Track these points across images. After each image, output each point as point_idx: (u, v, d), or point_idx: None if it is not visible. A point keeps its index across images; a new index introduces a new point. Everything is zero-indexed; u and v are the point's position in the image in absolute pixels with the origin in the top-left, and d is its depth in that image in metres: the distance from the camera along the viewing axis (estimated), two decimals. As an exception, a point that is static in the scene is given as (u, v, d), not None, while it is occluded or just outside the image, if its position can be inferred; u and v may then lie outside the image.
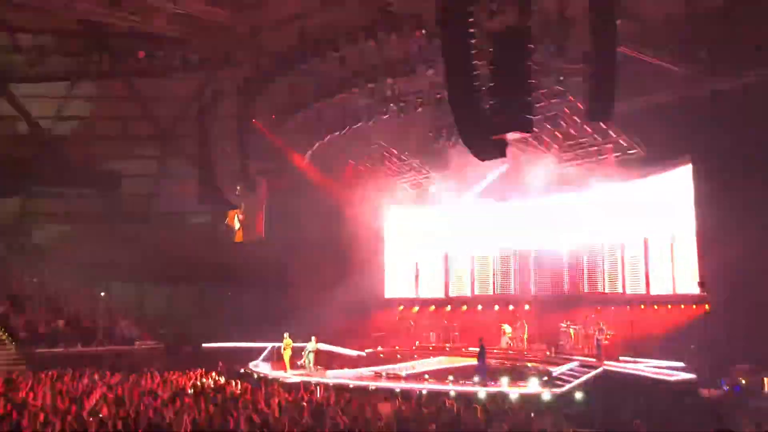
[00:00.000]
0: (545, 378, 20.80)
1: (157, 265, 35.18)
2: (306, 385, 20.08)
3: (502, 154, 16.59)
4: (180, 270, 35.27)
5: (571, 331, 26.27)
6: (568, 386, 19.52)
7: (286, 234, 33.99)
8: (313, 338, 24.70)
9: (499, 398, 17.13)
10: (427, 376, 22.55)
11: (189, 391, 18.32)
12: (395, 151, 30.84)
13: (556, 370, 21.77)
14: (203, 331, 32.32)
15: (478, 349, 22.36)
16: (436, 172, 30.25)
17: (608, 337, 24.16)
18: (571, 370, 21.94)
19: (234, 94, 27.76)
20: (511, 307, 29.91)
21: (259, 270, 33.85)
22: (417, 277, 33.33)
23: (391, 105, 24.74)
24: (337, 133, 26.90)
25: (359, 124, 26.03)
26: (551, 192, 27.85)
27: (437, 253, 32.78)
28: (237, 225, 35.25)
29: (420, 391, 19.64)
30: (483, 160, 18.16)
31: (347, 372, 25.19)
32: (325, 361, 25.98)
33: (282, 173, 32.70)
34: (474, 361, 22.97)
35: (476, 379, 21.32)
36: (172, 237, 36.33)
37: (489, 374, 21.61)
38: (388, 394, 18.10)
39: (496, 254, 31.09)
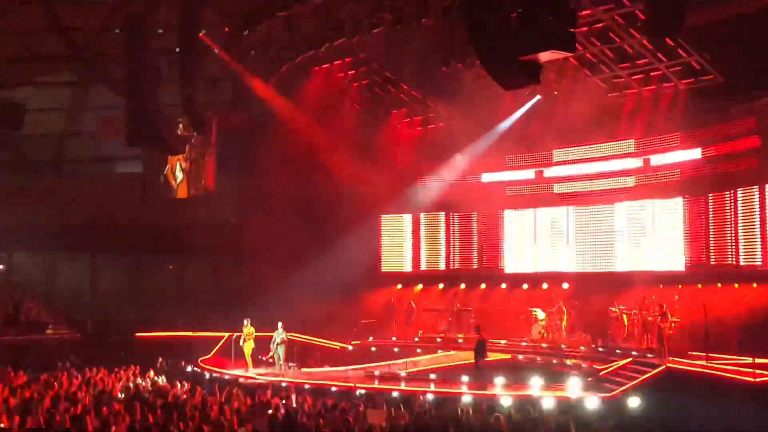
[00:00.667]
0: (590, 379, 20.95)
1: (73, 229, 35.16)
2: (274, 388, 20.21)
3: (534, 80, 16.42)
4: (104, 236, 35.27)
5: (624, 317, 26.40)
6: (619, 390, 19.69)
7: (244, 189, 33.96)
8: (280, 325, 24.84)
9: (529, 405, 17.24)
10: (433, 377, 22.71)
11: (119, 396, 18.40)
12: (390, 76, 30.62)
13: (604, 369, 21.88)
14: (136, 316, 32.52)
15: (476, 342, 22.61)
16: (445, 107, 30.04)
17: (673, 325, 24.30)
18: (623, 368, 22.10)
19: (174, -1, 27.45)
20: (545, 286, 30.03)
21: (208, 236, 33.89)
22: (419, 245, 33.41)
23: (385, 14, 24.47)
24: (313, 53, 26.64)
25: (341, 40, 25.79)
26: (596, 131, 27.83)
27: (445, 214, 32.88)
28: (179, 176, 35.19)
29: (424, 396, 19.79)
30: (508, 89, 17.97)
31: (328, 371, 25.37)
32: (300, 356, 26.16)
33: (238, 107, 32.50)
34: (496, 357, 23.12)
35: (466, 378, 21.67)
36: (92, 192, 36.25)
37: (481, 373, 22.03)
38: (382, 400, 18.24)
39: (524, 216, 31.12)
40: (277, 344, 24.63)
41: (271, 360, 25.22)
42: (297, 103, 30.75)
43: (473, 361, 22.69)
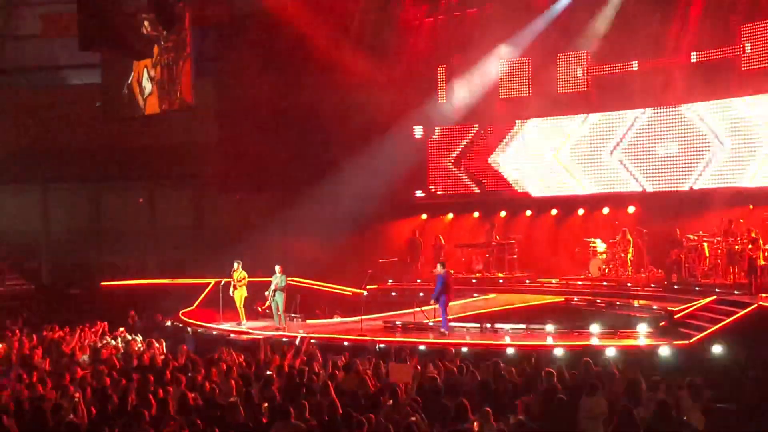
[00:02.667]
0: (663, 323, 20.97)
1: (17, 155, 35.19)
2: (273, 344, 20.36)
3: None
4: (56, 163, 35.29)
5: (705, 246, 26.42)
6: (700, 335, 19.73)
7: (229, 100, 33.79)
8: (278, 269, 24.88)
9: (588, 356, 17.30)
10: (468, 326, 22.84)
11: (83, 359, 18.60)
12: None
13: (680, 311, 21.94)
14: (100, 260, 32.73)
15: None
16: None
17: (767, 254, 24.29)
18: (704, 309, 22.12)
19: None
20: (605, 211, 29.96)
21: (186, 160, 33.88)
22: (447, 165, 33.27)
23: None
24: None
25: None
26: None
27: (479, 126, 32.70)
28: (147, 87, 34.97)
29: (457, 350, 19.92)
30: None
31: (339, 322, 25.53)
32: (304, 305, 26.31)
33: (218, -1, 32.24)
34: (546, 299, 23.17)
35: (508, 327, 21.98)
36: (39, 109, 36.16)
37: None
38: (406, 355, 18.37)
39: (577, 126, 30.89)
40: (275, 291, 24.70)
41: (268, 311, 25.35)
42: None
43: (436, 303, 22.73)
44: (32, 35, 36.29)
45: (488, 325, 22.72)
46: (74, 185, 37.27)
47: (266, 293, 24.90)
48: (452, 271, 23.84)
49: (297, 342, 21.02)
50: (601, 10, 29.04)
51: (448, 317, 22.46)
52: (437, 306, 22.61)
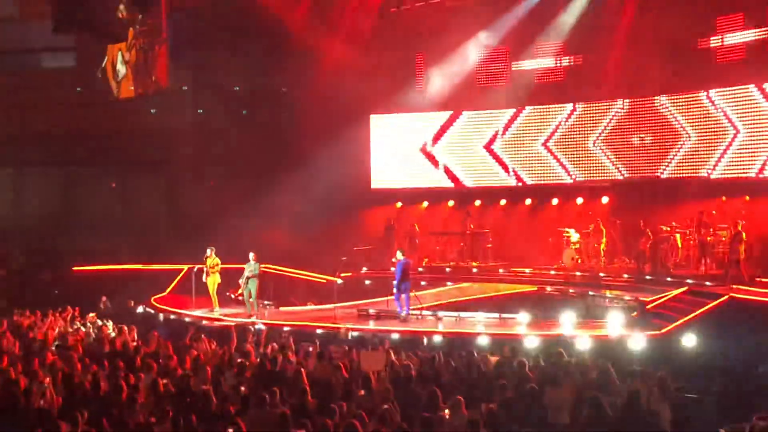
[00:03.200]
0: (635, 313, 21.11)
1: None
2: (245, 331, 20.36)
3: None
4: (29, 146, 35.08)
5: (677, 237, 26.59)
6: (671, 326, 19.86)
7: (203, 84, 33.68)
8: (252, 256, 24.85)
9: (560, 346, 17.41)
10: (440, 315, 22.91)
11: (54, 345, 18.54)
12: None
13: (652, 302, 22.09)
14: (72, 245, 32.53)
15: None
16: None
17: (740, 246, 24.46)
18: (676, 299, 22.28)
19: None
20: (579, 201, 30.13)
21: (160, 145, 33.75)
22: (422, 153, 33.30)
23: None
24: None
25: None
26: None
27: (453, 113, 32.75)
28: (121, 70, 34.74)
29: (430, 338, 19.99)
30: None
31: (312, 309, 25.55)
32: (277, 292, 26.30)
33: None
34: (519, 289, 23.25)
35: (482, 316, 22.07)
36: (12, 92, 35.92)
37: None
38: (379, 344, 18.40)
39: (552, 113, 31.01)
40: (248, 278, 24.65)
41: (240, 298, 25.31)
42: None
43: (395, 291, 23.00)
44: (8, 18, 36.01)
45: (461, 314, 22.80)
46: (47, 169, 37.02)
47: (240, 280, 24.87)
48: (410, 261, 23.87)
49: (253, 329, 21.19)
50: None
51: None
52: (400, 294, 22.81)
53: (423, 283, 28.26)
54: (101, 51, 33.89)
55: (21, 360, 16.06)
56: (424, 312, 23.27)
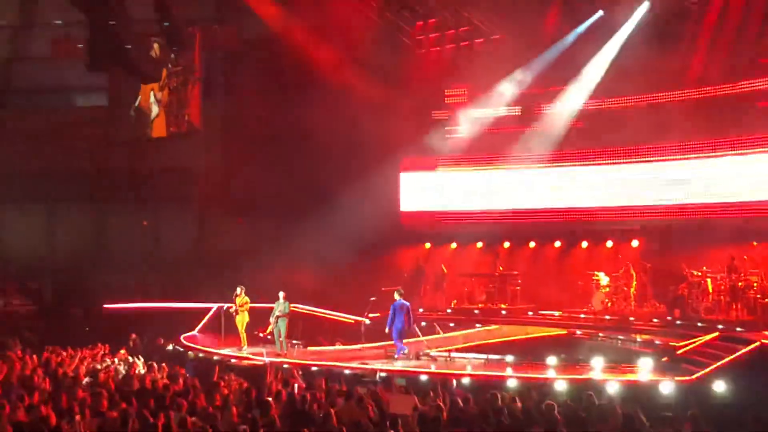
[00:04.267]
0: (665, 359, 20.96)
1: (23, 175, 35.29)
2: (275, 371, 20.37)
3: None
4: (62, 184, 35.42)
5: (708, 281, 26.44)
6: (701, 372, 19.71)
7: (234, 124, 33.92)
8: (281, 295, 24.92)
9: (590, 390, 17.31)
10: (470, 357, 22.84)
11: (84, 381, 18.61)
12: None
13: (682, 347, 21.94)
14: (103, 282, 32.71)
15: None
16: (485, 18, 29.87)
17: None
18: (707, 345, 22.13)
19: None
20: (609, 244, 30.02)
21: (191, 183, 33.98)
22: (451, 195, 33.36)
23: None
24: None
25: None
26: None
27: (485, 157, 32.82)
28: (155, 110, 35.16)
29: (458, 381, 19.92)
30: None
31: (340, 350, 25.52)
32: (306, 331, 26.30)
33: (226, 21, 32.35)
34: (549, 332, 23.16)
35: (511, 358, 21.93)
36: (46, 130, 36.29)
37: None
38: (407, 385, 18.34)
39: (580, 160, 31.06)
40: (278, 317, 24.69)
41: (270, 336, 25.34)
42: (296, 15, 30.56)
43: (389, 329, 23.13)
44: (42, 57, 36.47)
45: (490, 357, 22.72)
46: (79, 206, 37.34)
47: (270, 319, 24.88)
48: (407, 304, 23.85)
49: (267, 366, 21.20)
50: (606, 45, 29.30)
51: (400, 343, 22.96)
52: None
53: (451, 324, 28.22)
54: (134, 90, 34.33)
55: (51, 396, 16.13)
56: (453, 354, 23.20)
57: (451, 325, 28.25)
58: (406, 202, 33.82)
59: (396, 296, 23.35)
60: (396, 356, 22.80)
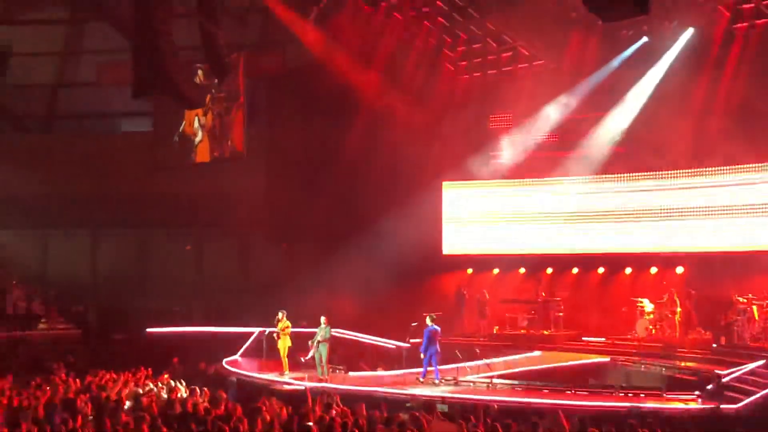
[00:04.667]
0: (710, 386, 20.76)
1: (68, 200, 35.64)
2: (316, 396, 20.36)
3: (642, 11, 16.06)
4: (106, 208, 35.74)
5: (755, 308, 26.18)
6: (749, 400, 19.52)
7: (277, 150, 34.08)
8: (323, 319, 24.94)
9: (632, 417, 17.19)
10: (512, 383, 22.73)
11: (126, 405, 18.70)
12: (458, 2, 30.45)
13: (728, 374, 21.72)
14: (146, 306, 32.91)
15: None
16: (526, 43, 29.91)
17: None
18: (752, 373, 21.89)
19: None
20: (653, 270, 29.82)
21: (234, 208, 34.16)
22: (493, 221, 33.30)
23: None
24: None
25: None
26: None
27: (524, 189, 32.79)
28: (199, 135, 35.42)
29: (499, 407, 19.82)
30: (606, 20, 17.68)
31: (381, 375, 25.48)
32: (347, 357, 26.30)
33: (270, 48, 32.58)
34: (592, 359, 23.00)
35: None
36: (91, 155, 36.67)
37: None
38: (450, 411, 18.27)
39: (621, 184, 30.89)
40: (319, 342, 24.71)
41: (311, 361, 25.37)
42: (339, 41, 30.70)
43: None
44: (88, 83, 36.88)
45: (531, 383, 22.61)
46: (122, 231, 37.65)
47: (310, 342, 24.89)
48: (438, 329, 23.84)
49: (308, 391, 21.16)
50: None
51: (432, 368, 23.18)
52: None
53: (493, 351, 28.10)
54: (178, 115, 34.61)
55: (94, 420, 16.21)
56: (495, 380, 23.12)
57: (493, 352, 28.15)
58: (449, 240, 33.79)
59: (428, 321, 23.36)
60: (436, 381, 22.76)
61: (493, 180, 32.99)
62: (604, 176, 31.08)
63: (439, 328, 23.51)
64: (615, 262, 30.86)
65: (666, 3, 26.50)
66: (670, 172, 29.82)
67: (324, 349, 24.48)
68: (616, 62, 29.43)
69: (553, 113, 31.20)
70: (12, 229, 36.74)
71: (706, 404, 19.40)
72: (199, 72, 31.36)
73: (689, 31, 27.87)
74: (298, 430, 15.46)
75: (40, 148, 37.00)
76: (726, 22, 27.06)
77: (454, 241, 33.72)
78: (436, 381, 22.93)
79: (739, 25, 27.02)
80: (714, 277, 27.82)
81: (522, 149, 32.04)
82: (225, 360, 27.19)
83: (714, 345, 26.28)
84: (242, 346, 27.98)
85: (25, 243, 37.34)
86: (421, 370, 23.55)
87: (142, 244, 38.27)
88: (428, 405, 19.22)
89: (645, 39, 28.30)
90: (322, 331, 24.55)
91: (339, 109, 31.62)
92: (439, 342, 23.42)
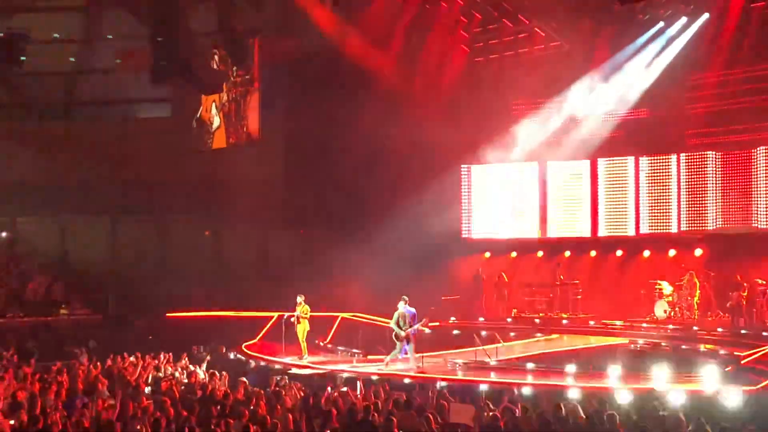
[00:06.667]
0: (729, 368, 20.68)
1: (88, 186, 35.74)
2: (335, 379, 20.40)
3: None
4: (126, 195, 35.83)
5: (776, 290, 26.16)
6: (766, 382, 19.43)
7: (295, 135, 34.05)
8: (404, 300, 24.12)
9: (652, 400, 17.13)
10: (531, 365, 22.70)
11: (146, 390, 18.76)
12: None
13: (747, 356, 21.64)
14: (166, 292, 32.96)
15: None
16: (545, 25, 29.80)
17: None
18: (774, 355, 21.83)
19: None
20: (672, 252, 29.70)
21: (252, 194, 34.17)
22: (512, 204, 33.21)
23: None
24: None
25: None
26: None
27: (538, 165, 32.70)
28: (216, 121, 35.43)
29: (519, 390, 19.78)
30: (624, 1, 17.63)
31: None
32: (366, 341, 26.32)
33: (287, 33, 32.50)
34: (610, 341, 22.93)
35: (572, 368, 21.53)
36: (111, 141, 36.73)
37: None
38: (468, 394, 18.26)
39: (643, 166, 30.74)
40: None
41: (329, 345, 25.38)
42: (356, 26, 30.62)
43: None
44: (107, 69, 36.91)
45: (551, 366, 22.55)
46: (142, 217, 37.70)
47: (392, 325, 23.94)
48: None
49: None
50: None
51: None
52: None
53: (512, 334, 28.10)
54: (196, 101, 34.60)
55: (116, 404, 16.28)
56: (513, 363, 23.08)
57: (512, 334, 28.14)
58: (468, 224, 33.80)
59: (401, 306, 22.93)
60: (400, 357, 22.63)
61: (512, 163, 32.86)
62: (625, 157, 30.92)
63: (414, 310, 23.25)
64: (634, 244, 30.75)
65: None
66: (694, 153, 29.62)
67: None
68: (631, 48, 29.34)
69: (570, 96, 31.08)
70: (32, 216, 36.90)
71: (725, 386, 19.31)
72: (216, 58, 31.33)
73: (704, 16, 27.75)
74: (317, 414, 15.50)
75: (58, 136, 37.03)
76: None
77: (473, 225, 33.64)
78: (385, 362, 22.70)
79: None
80: (733, 260, 27.72)
81: (540, 130, 31.92)
82: (245, 344, 27.24)
83: (733, 328, 26.17)
84: (261, 331, 28.01)
85: (45, 229, 37.52)
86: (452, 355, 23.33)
87: (162, 230, 38.31)
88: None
89: (661, 24, 28.18)
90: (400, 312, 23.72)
91: (356, 94, 31.51)
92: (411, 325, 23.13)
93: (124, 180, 35.95)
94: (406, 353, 22.59)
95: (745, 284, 26.42)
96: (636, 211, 30.69)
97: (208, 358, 25.03)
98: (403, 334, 22.50)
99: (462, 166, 33.48)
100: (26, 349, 25.10)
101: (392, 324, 22.95)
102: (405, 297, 23.02)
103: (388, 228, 30.27)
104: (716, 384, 19.51)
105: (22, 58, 31.02)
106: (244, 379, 19.95)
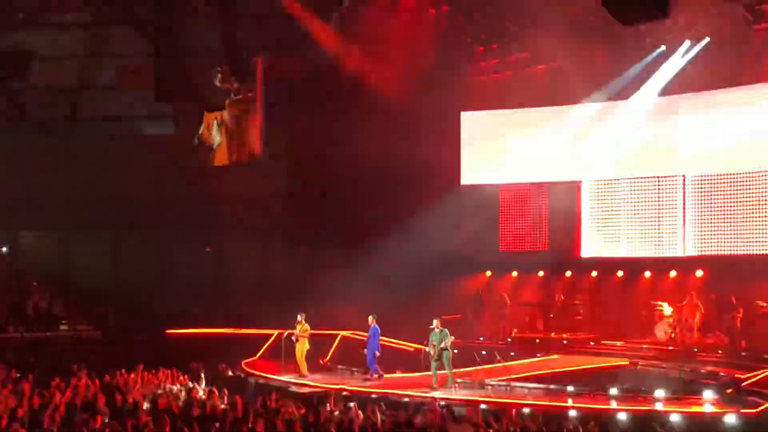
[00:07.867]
0: (729, 390, 20.64)
1: (90, 203, 35.76)
2: (334, 398, 20.34)
3: (661, 14, 15.98)
4: (127, 211, 35.82)
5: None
6: (767, 405, 19.40)
7: (297, 153, 34.11)
8: (435, 323, 24.07)
9: (652, 422, 17.11)
10: (530, 386, 22.65)
11: (145, 406, 18.72)
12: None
13: (748, 378, 21.58)
14: (167, 308, 32.98)
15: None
16: (546, 44, 29.93)
17: None
18: (773, 378, 21.79)
19: None
20: (673, 274, 29.67)
21: (253, 211, 34.21)
22: (513, 223, 33.22)
23: None
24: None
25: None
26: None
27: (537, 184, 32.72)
28: (217, 138, 35.40)
29: (518, 410, 19.74)
30: (625, 23, 17.62)
31: (400, 377, 25.45)
32: (365, 359, 26.29)
33: (290, 51, 32.57)
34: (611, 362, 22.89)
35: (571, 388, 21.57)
36: (113, 158, 36.78)
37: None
38: (468, 414, 18.22)
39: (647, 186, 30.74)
40: (442, 349, 23.11)
41: (329, 364, 25.38)
42: (358, 43, 30.70)
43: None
44: (110, 86, 37.00)
45: (550, 386, 22.52)
46: (143, 233, 37.70)
47: (429, 350, 23.87)
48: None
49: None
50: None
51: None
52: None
53: (512, 353, 28.05)
54: (199, 118, 34.65)
55: (114, 420, 16.24)
56: (513, 383, 23.03)
57: (512, 354, 28.09)
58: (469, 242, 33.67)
59: (370, 321, 24.02)
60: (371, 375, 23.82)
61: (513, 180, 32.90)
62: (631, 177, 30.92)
63: (378, 329, 23.68)
64: (635, 265, 30.69)
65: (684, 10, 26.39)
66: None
67: (446, 356, 23.71)
68: (633, 71, 29.41)
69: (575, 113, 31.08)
70: (34, 231, 36.90)
71: (725, 408, 19.28)
72: (219, 75, 31.39)
73: (705, 41, 27.79)
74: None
75: (62, 151, 37.08)
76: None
77: (473, 243, 33.53)
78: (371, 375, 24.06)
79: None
80: (734, 282, 27.67)
81: (546, 149, 31.89)
82: (244, 362, 27.23)
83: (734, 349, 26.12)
84: (261, 348, 28.02)
85: (47, 245, 37.51)
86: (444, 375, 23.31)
87: (163, 246, 38.32)
88: (447, 408, 19.19)
89: (663, 48, 28.26)
90: (438, 336, 23.62)
91: (358, 112, 31.60)
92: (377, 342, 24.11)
93: (126, 196, 35.93)
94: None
95: (740, 307, 26.34)
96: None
97: (206, 375, 25.00)
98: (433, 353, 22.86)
99: (463, 184, 33.42)
100: (26, 364, 25.03)
101: (429, 348, 23.24)
102: (374, 315, 24.47)
103: (389, 247, 30.29)
104: (716, 406, 19.53)
105: (29, 74, 31.18)
106: (241, 398, 19.94)
